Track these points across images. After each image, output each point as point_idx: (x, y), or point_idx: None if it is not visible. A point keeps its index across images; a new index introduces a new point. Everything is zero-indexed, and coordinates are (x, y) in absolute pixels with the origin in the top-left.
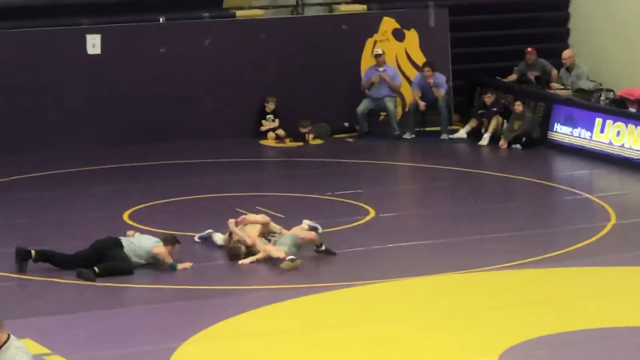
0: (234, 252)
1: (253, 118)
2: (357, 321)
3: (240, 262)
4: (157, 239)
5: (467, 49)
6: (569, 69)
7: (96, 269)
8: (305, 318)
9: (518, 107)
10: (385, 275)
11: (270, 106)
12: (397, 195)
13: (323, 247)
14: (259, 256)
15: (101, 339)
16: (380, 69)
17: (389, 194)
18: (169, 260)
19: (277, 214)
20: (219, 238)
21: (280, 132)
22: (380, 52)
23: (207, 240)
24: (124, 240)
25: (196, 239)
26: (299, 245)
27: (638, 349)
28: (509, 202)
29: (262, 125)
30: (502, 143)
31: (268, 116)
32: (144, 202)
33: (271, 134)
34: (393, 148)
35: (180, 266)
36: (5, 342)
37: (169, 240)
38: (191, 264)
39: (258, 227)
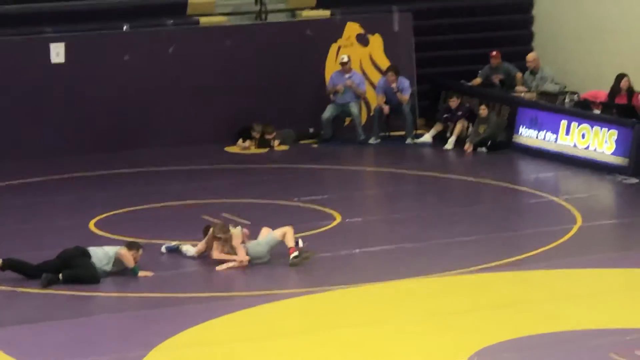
0: (221, 226)
1: (218, 125)
2: (325, 327)
3: (217, 268)
4: (122, 246)
5: (432, 53)
6: (533, 72)
7: (60, 276)
8: (274, 324)
9: (483, 111)
10: (353, 280)
11: (255, 134)
12: (363, 200)
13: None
14: (236, 263)
15: (69, 348)
16: (346, 76)
17: (355, 199)
18: (130, 263)
19: (244, 220)
20: (190, 249)
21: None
22: (346, 59)
23: (174, 252)
24: (91, 250)
25: (163, 250)
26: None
27: (604, 350)
28: (475, 205)
29: (238, 142)
30: (468, 147)
31: (248, 140)
32: (109, 210)
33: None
34: (358, 153)
35: (141, 273)
36: None
37: (132, 245)
38: (152, 273)
39: (240, 237)
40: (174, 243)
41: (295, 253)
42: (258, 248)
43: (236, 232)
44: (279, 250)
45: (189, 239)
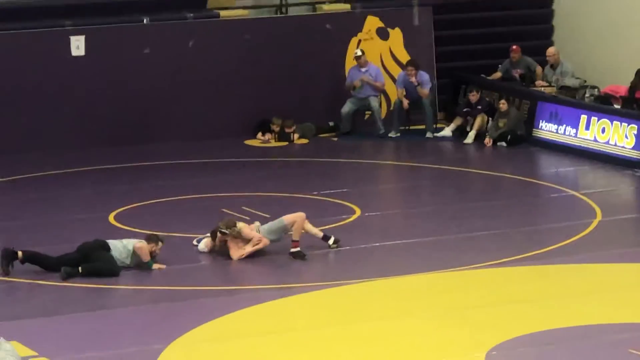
0: (228, 222)
1: (238, 118)
2: (343, 320)
3: (237, 256)
4: (141, 239)
5: (452, 47)
6: (553, 66)
7: (80, 269)
8: (291, 318)
9: (503, 105)
10: (371, 274)
11: (275, 127)
12: (382, 194)
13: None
14: (261, 245)
15: (87, 341)
16: (363, 69)
17: (375, 193)
18: (146, 257)
19: (263, 214)
20: (203, 244)
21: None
22: (359, 53)
23: None
24: (110, 243)
25: (195, 242)
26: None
27: (623, 346)
28: (494, 200)
29: (258, 135)
30: (487, 141)
31: (267, 134)
32: (129, 204)
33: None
34: (378, 147)
35: (155, 266)
36: None
37: (151, 238)
38: (165, 266)
39: (248, 226)
40: (204, 236)
41: (295, 250)
42: (269, 235)
43: (243, 223)
44: (304, 242)
45: (209, 232)
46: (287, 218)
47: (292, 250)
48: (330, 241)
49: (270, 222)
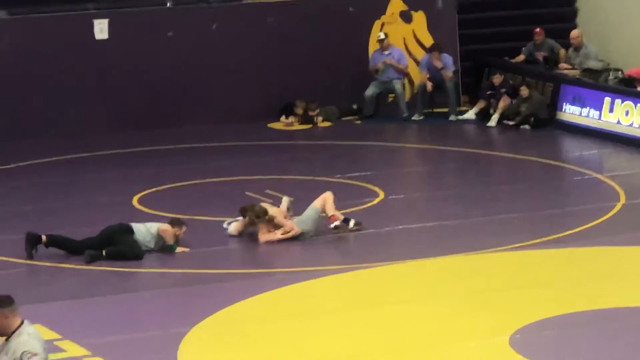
0: (259, 209)
1: (261, 101)
2: (367, 304)
3: (265, 239)
4: (165, 223)
5: (475, 30)
6: (577, 49)
7: (104, 252)
8: (315, 301)
9: (523, 91)
10: (395, 257)
11: (298, 110)
12: (406, 177)
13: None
14: (286, 234)
15: (111, 324)
16: (385, 52)
17: (398, 176)
18: (170, 240)
19: (286, 196)
20: (231, 228)
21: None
22: (382, 36)
23: None
24: (134, 226)
25: (225, 225)
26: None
27: None
28: (517, 183)
29: (281, 118)
30: (511, 124)
31: (291, 117)
32: (153, 187)
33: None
34: (401, 130)
35: (179, 249)
36: (18, 328)
37: (175, 222)
38: (188, 249)
39: (282, 212)
40: (233, 219)
41: (337, 223)
42: (302, 225)
43: (276, 210)
44: (321, 226)
45: (233, 215)
46: (317, 202)
47: (333, 224)
48: (351, 224)
49: (304, 213)
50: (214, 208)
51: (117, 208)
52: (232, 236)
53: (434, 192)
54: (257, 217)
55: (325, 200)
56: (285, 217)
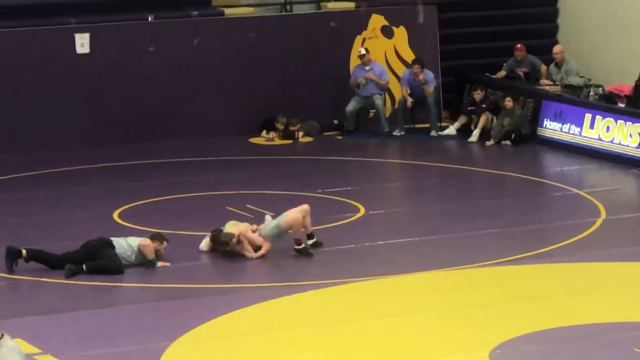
0: (224, 239)
1: (243, 116)
2: (347, 318)
3: (250, 256)
4: (146, 237)
5: (456, 45)
6: (558, 65)
7: (85, 266)
8: (296, 316)
9: (508, 103)
10: (376, 272)
11: (279, 125)
12: (386, 193)
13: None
14: (264, 250)
15: (91, 338)
16: (367, 68)
17: (379, 191)
18: (150, 255)
19: (267, 212)
20: (203, 244)
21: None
22: (363, 52)
23: None
24: (114, 241)
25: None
26: (283, 233)
27: (628, 344)
28: (499, 198)
29: (262, 133)
30: (489, 143)
31: (272, 132)
32: (133, 201)
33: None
34: (383, 145)
35: (159, 264)
36: None
37: (156, 237)
38: (169, 264)
39: (247, 229)
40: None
41: (301, 246)
42: (269, 239)
43: (242, 226)
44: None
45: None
46: (284, 222)
47: (297, 247)
48: (310, 242)
49: (270, 225)
50: (194, 223)
51: (98, 222)
52: (203, 251)
53: (414, 207)
54: (226, 246)
55: (295, 224)
56: (253, 231)
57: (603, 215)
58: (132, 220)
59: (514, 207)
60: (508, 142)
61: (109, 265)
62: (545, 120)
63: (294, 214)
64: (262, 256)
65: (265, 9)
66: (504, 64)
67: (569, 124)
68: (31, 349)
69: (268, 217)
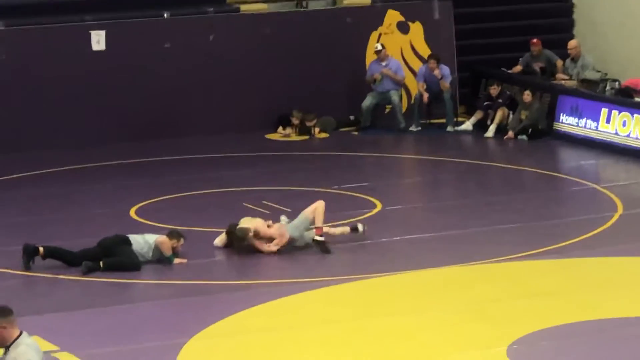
0: (241, 234)
1: (259, 112)
2: (364, 315)
3: (268, 249)
4: (162, 234)
5: (472, 40)
6: (574, 60)
7: (102, 263)
8: (313, 312)
9: (527, 96)
10: (392, 268)
11: (295, 121)
12: (403, 188)
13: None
14: (284, 240)
15: (109, 335)
16: (383, 63)
17: (395, 187)
18: (167, 251)
19: (284, 208)
20: (218, 240)
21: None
22: (379, 47)
23: None
24: (131, 238)
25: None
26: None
27: None
28: (515, 193)
29: (278, 129)
30: (510, 135)
31: (288, 128)
32: (150, 198)
33: (280, 129)
34: (399, 140)
35: (176, 260)
36: (17, 339)
37: (173, 234)
38: (186, 260)
39: (263, 224)
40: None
41: (319, 238)
42: (294, 231)
43: (257, 222)
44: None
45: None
46: (308, 212)
47: (316, 237)
48: (360, 228)
49: (295, 219)
50: (211, 219)
51: (115, 219)
52: (217, 248)
53: (431, 203)
54: (243, 241)
55: (316, 211)
56: (268, 226)
57: (620, 210)
58: (149, 217)
59: (531, 202)
60: (525, 137)
61: (125, 262)
62: (561, 115)
63: (313, 206)
64: (279, 249)
65: (281, 5)
66: (520, 59)
67: (585, 119)
68: (49, 346)
69: (283, 217)
